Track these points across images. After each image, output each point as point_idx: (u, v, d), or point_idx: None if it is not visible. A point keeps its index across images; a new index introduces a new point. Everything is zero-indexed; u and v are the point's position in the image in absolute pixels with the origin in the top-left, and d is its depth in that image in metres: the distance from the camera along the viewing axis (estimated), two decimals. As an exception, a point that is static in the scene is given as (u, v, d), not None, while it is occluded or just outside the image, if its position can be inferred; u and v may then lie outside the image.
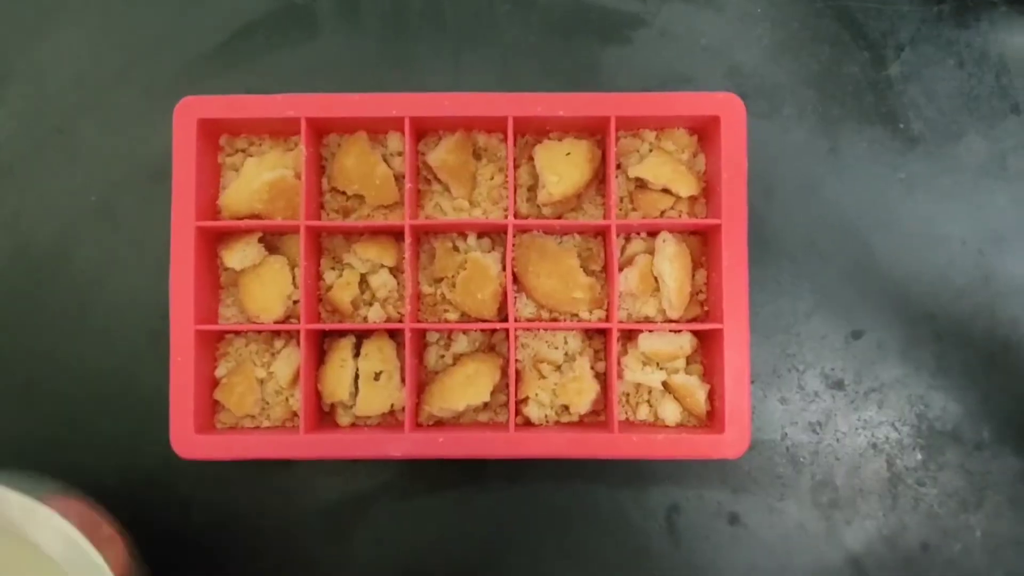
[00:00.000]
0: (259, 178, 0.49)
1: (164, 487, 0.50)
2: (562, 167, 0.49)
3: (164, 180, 0.48)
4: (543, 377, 0.50)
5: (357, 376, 0.49)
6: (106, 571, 0.40)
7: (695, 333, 0.50)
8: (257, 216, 0.49)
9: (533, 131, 0.51)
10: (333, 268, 0.50)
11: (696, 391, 0.49)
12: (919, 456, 0.51)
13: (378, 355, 0.49)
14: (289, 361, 0.49)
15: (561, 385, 0.49)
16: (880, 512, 0.51)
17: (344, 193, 0.50)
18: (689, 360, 0.50)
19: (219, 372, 0.50)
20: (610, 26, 0.52)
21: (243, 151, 0.51)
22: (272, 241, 0.51)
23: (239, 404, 0.49)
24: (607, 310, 0.49)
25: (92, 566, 0.40)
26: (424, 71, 0.52)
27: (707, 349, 0.50)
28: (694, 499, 0.51)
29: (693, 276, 0.50)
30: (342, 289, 0.49)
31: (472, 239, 0.50)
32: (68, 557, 0.40)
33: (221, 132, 0.50)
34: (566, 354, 0.50)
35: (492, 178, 0.50)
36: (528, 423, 0.50)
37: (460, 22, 0.53)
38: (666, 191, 0.49)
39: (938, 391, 0.51)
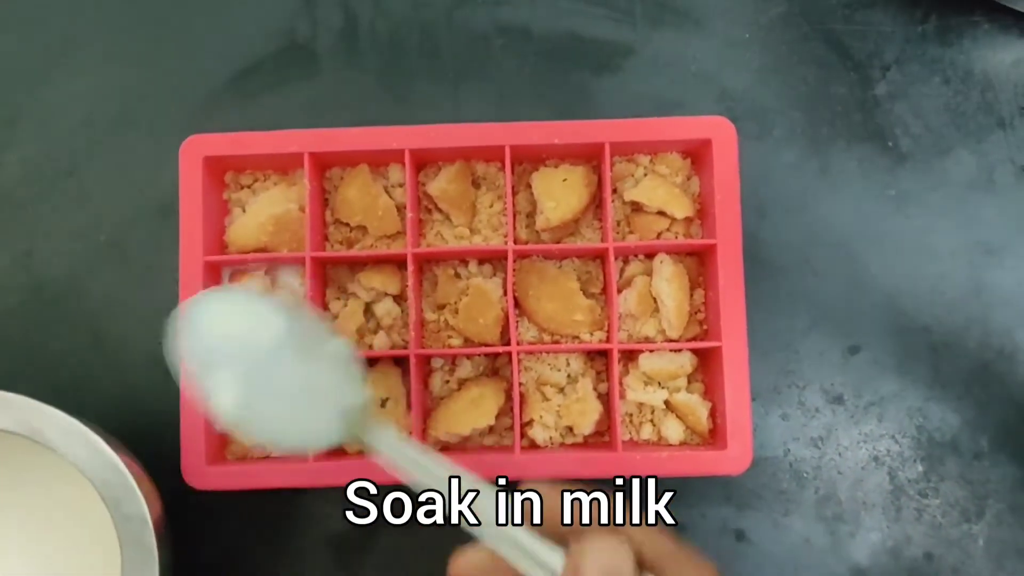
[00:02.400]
0: (264, 212, 0.50)
1: (175, 517, 0.51)
2: (559, 193, 0.50)
3: (172, 217, 0.50)
4: (547, 399, 0.50)
5: (364, 403, 0.50)
6: (142, 503, 0.41)
7: (695, 352, 0.51)
8: (263, 249, 0.50)
9: (530, 159, 0.52)
10: (338, 298, 0.51)
11: (698, 409, 0.50)
12: (920, 468, 0.52)
13: (384, 382, 0.50)
14: (297, 390, 0.50)
15: (565, 407, 0.50)
16: (884, 524, 0.51)
17: (347, 224, 0.52)
18: (690, 379, 0.51)
19: (229, 403, 0.51)
20: (602, 56, 0.54)
21: (248, 187, 0.52)
22: (278, 274, 0.52)
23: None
24: (607, 331, 0.50)
25: (127, 489, 0.41)
26: (423, 104, 0.54)
27: (707, 367, 0.51)
28: (699, 517, 0.52)
29: (691, 296, 0.51)
30: (347, 318, 0.50)
31: (473, 265, 0.52)
32: (104, 479, 0.42)
33: (226, 169, 0.52)
34: (569, 376, 0.51)
35: (491, 206, 0.51)
36: (533, 445, 0.50)
37: (457, 56, 0.54)
38: (661, 213, 0.50)
39: (936, 402, 0.52)
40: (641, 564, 0.31)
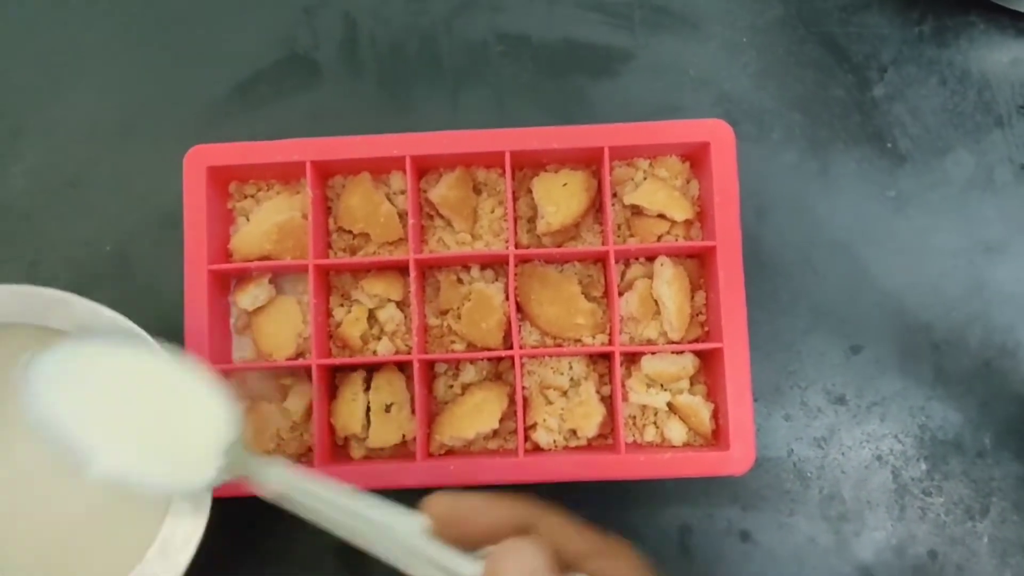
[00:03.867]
0: (268, 220, 0.50)
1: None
2: (559, 197, 0.50)
3: (176, 226, 0.50)
4: (550, 403, 0.51)
5: (369, 409, 0.50)
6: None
7: (697, 353, 0.51)
8: (267, 257, 0.51)
9: (530, 164, 0.52)
10: (342, 305, 0.52)
11: (700, 410, 0.50)
12: (923, 466, 0.52)
13: (388, 388, 0.50)
14: (302, 397, 0.51)
15: (568, 410, 0.50)
16: (888, 523, 0.51)
17: (350, 232, 0.52)
18: (692, 380, 0.51)
19: (234, 411, 0.51)
20: (601, 61, 0.54)
21: (252, 196, 0.53)
22: (282, 282, 0.52)
23: (255, 440, 0.50)
24: (609, 334, 0.51)
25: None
26: (423, 112, 0.54)
27: (709, 369, 0.51)
28: (705, 518, 0.52)
29: (692, 298, 0.51)
30: (351, 325, 0.51)
31: (475, 271, 0.52)
32: None
33: (230, 178, 0.52)
34: (571, 379, 0.51)
35: (492, 211, 0.52)
36: (537, 448, 0.51)
37: (456, 64, 0.54)
38: (661, 216, 0.51)
39: (938, 401, 0.52)
40: (565, 563, 0.31)
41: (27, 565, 0.44)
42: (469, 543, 0.32)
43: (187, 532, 0.41)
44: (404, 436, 0.50)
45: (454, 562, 0.32)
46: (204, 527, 0.41)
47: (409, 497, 0.51)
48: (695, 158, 0.52)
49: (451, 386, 0.52)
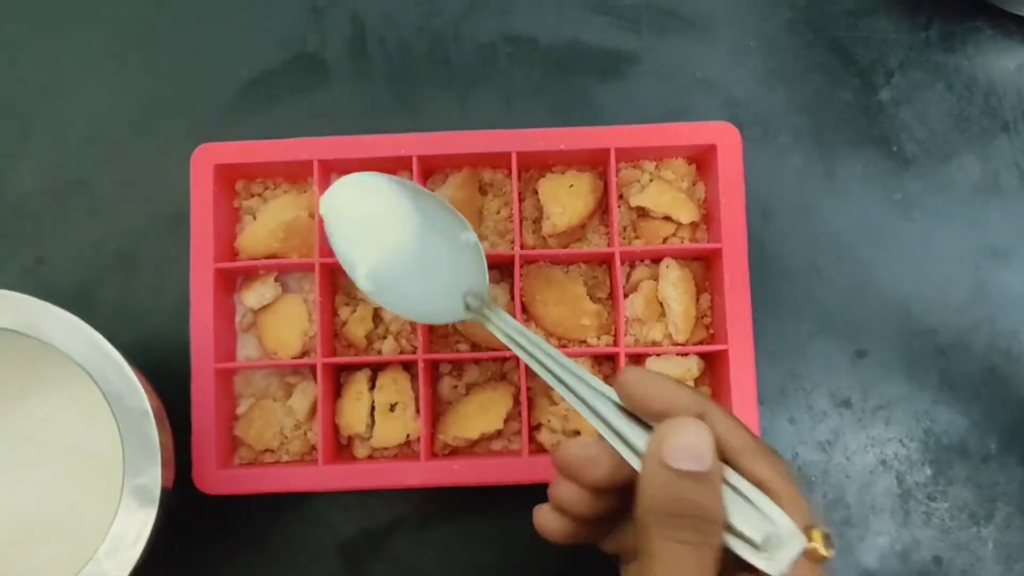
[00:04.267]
0: (275, 219, 0.51)
1: (184, 522, 0.51)
2: (565, 199, 0.50)
3: (183, 225, 0.50)
4: (554, 403, 0.51)
5: (373, 408, 0.50)
6: (142, 396, 0.42)
7: (702, 355, 0.51)
8: (273, 256, 0.51)
9: (537, 166, 0.52)
10: (347, 304, 0.52)
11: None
12: (928, 471, 0.52)
13: (393, 387, 0.50)
14: (306, 395, 0.51)
15: (572, 411, 0.50)
16: (892, 528, 0.51)
17: (356, 232, 0.52)
18: (697, 382, 0.51)
19: (239, 409, 0.51)
20: (608, 63, 0.54)
21: (259, 195, 0.53)
22: (288, 281, 0.52)
23: (259, 439, 0.50)
24: (614, 336, 0.51)
25: (127, 382, 0.42)
26: (430, 113, 0.54)
27: (714, 371, 0.51)
28: (708, 521, 0.52)
29: (697, 300, 0.51)
30: (356, 324, 0.51)
31: (481, 271, 0.52)
32: (104, 374, 0.42)
33: (237, 177, 0.52)
34: (576, 380, 0.51)
35: (498, 212, 0.52)
36: (541, 449, 0.51)
37: (464, 65, 0.55)
38: (667, 219, 0.51)
39: (943, 405, 0.52)
40: (719, 452, 0.33)
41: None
42: (648, 415, 0.35)
43: (138, 528, 0.41)
44: (408, 436, 0.50)
45: (626, 426, 0.35)
46: (153, 522, 0.41)
47: (416, 498, 0.51)
48: (701, 161, 0.52)
49: (455, 386, 0.52)
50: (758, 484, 0.32)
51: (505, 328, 0.41)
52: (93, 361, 0.42)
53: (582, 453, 0.36)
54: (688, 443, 0.32)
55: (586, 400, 0.36)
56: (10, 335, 0.42)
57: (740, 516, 0.32)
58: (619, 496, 0.36)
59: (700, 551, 0.32)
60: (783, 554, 0.31)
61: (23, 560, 0.45)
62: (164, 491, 0.42)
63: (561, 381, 0.38)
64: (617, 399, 0.36)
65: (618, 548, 0.39)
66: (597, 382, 0.37)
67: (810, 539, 0.31)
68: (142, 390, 0.42)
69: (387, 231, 0.44)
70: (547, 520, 0.38)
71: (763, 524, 0.32)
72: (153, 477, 0.41)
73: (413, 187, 0.46)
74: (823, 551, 0.31)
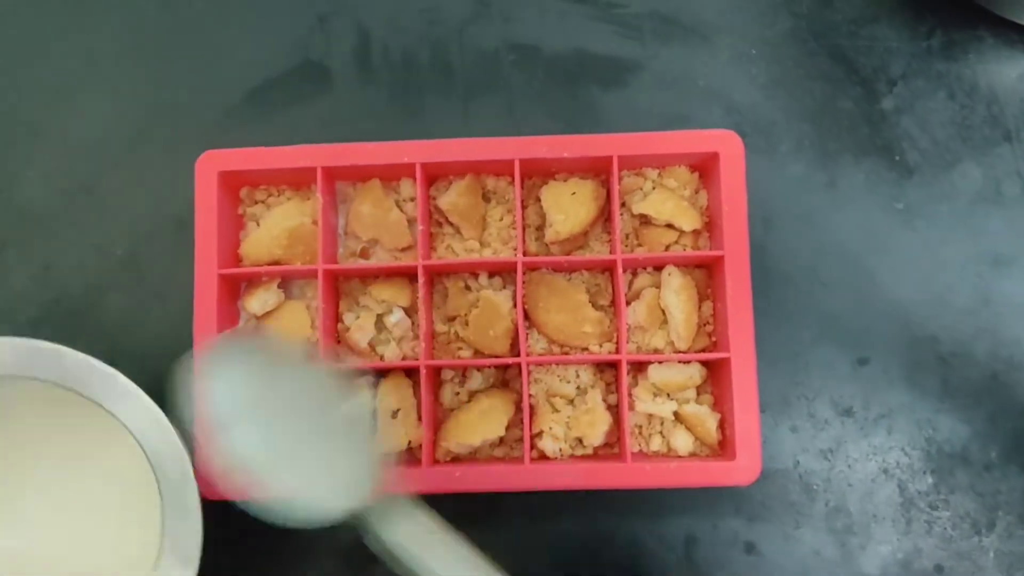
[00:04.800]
0: (279, 225, 0.51)
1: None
2: (568, 206, 0.51)
3: (187, 231, 0.50)
4: (556, 411, 0.51)
5: (375, 414, 0.51)
6: (186, 461, 0.41)
7: (704, 363, 0.51)
8: (277, 262, 0.51)
9: (539, 173, 0.52)
10: (350, 310, 0.52)
11: (707, 420, 0.50)
12: (930, 480, 0.51)
13: (395, 393, 0.51)
14: (309, 401, 0.51)
15: (574, 418, 0.50)
16: (894, 536, 0.51)
17: (359, 238, 0.52)
18: (699, 390, 0.51)
19: (242, 415, 0.51)
20: (611, 71, 0.54)
21: (262, 202, 0.53)
22: (291, 287, 0.53)
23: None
24: (616, 343, 0.51)
25: (172, 446, 0.41)
26: (434, 120, 0.55)
27: (716, 378, 0.51)
28: (710, 529, 0.52)
29: (700, 308, 0.51)
30: (359, 330, 0.51)
31: (483, 278, 0.52)
32: (149, 436, 0.42)
33: (241, 184, 0.53)
34: (578, 387, 0.51)
35: (501, 219, 0.52)
36: (543, 456, 0.51)
37: (467, 73, 0.55)
38: (670, 226, 0.51)
39: (945, 414, 0.52)
40: None
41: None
42: None
43: None
44: (410, 442, 0.50)
45: None
46: None
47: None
48: (704, 168, 0.52)
49: (457, 393, 0.52)
50: None
51: (394, 540, 0.38)
52: (139, 422, 0.42)
53: None
54: None
55: None
56: (56, 390, 0.42)
57: None
58: None
59: None
60: None
61: None
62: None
63: None
64: None
65: None
66: None
67: None
68: (187, 455, 0.42)
69: (262, 409, 0.38)
70: None
71: None
72: (194, 543, 0.42)
73: (289, 355, 0.41)
74: None
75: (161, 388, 0.52)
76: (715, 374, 0.51)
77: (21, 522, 0.46)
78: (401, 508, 0.37)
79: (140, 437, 0.42)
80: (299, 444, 0.38)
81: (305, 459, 0.38)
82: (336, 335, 0.52)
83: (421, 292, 0.50)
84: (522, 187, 0.51)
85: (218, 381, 0.37)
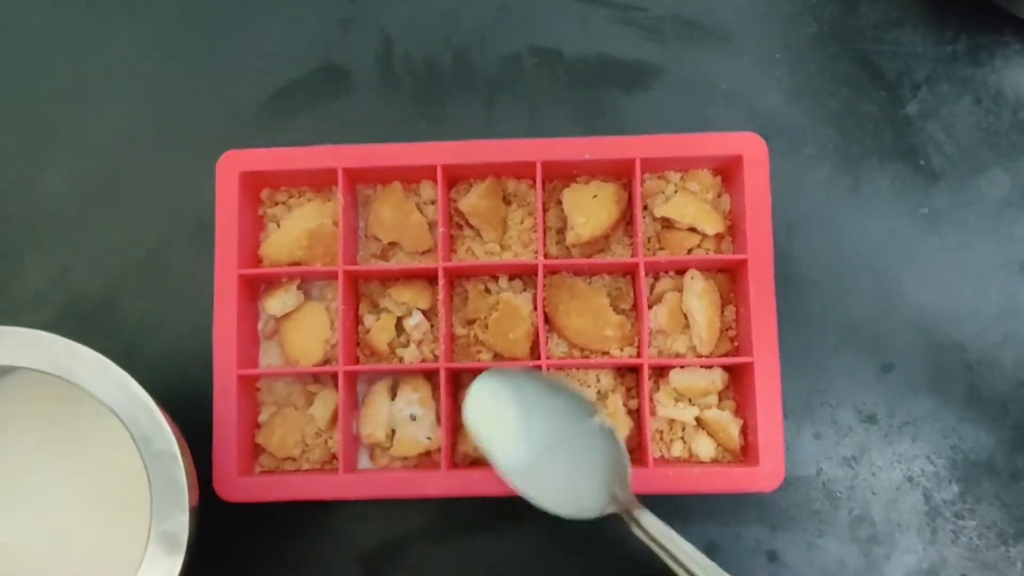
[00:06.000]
0: (299, 226, 0.51)
1: (204, 529, 0.51)
2: (589, 209, 0.50)
3: (208, 232, 0.50)
4: (576, 415, 0.50)
5: (394, 417, 0.50)
6: (171, 440, 0.41)
7: (726, 369, 0.51)
8: (297, 263, 0.51)
9: (561, 176, 0.52)
10: (370, 312, 0.52)
11: (729, 426, 0.49)
12: (956, 488, 0.51)
13: (414, 396, 0.50)
14: (327, 404, 0.50)
15: (594, 423, 0.50)
16: (919, 546, 0.50)
17: (380, 241, 0.52)
18: (721, 396, 0.51)
19: (261, 417, 0.51)
20: (633, 75, 0.54)
21: (283, 203, 0.53)
22: (311, 289, 0.52)
23: (280, 446, 0.50)
24: (638, 347, 0.50)
25: (156, 426, 0.41)
26: (455, 124, 0.54)
27: (738, 384, 0.50)
28: (732, 537, 0.51)
29: (722, 312, 0.51)
30: (379, 332, 0.51)
31: (503, 281, 0.52)
32: (133, 417, 0.41)
33: (262, 185, 0.52)
34: (599, 392, 0.51)
35: (522, 222, 0.52)
36: (563, 461, 0.50)
37: (489, 76, 0.55)
38: (692, 230, 0.50)
39: (971, 422, 0.51)
40: None
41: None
42: None
43: None
44: (429, 445, 0.50)
45: None
46: (179, 572, 0.41)
47: (435, 509, 0.51)
48: (727, 172, 0.52)
49: (477, 396, 0.51)
50: None
51: (650, 531, 0.42)
52: (122, 404, 0.42)
53: None
54: None
55: None
56: (40, 376, 0.42)
57: None
58: None
59: None
60: None
61: None
62: (191, 534, 0.42)
63: None
64: None
65: None
66: None
67: None
68: (171, 433, 0.41)
69: (512, 429, 0.45)
70: None
71: None
72: (180, 522, 0.41)
73: (534, 379, 0.46)
74: None
75: (179, 389, 0.52)
76: (738, 379, 0.50)
77: (10, 513, 0.46)
78: (641, 508, 0.43)
79: (124, 417, 0.41)
80: (553, 457, 0.45)
81: (558, 469, 0.45)
82: (356, 337, 0.52)
83: (441, 295, 0.50)
84: (543, 190, 0.51)
85: (479, 406, 0.45)
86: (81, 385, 0.42)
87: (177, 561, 0.41)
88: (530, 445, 0.45)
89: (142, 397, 0.42)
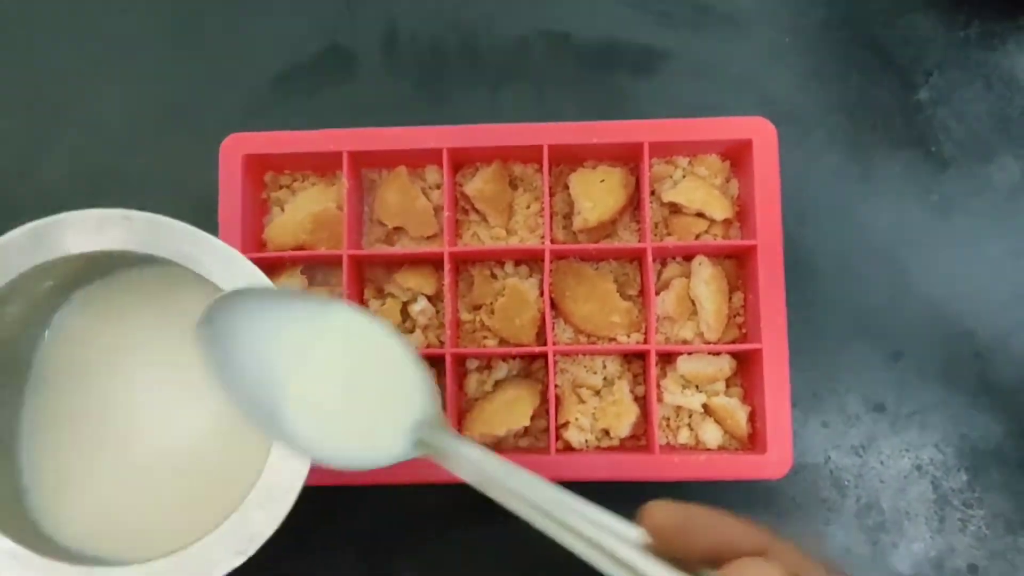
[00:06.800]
0: (304, 210, 0.50)
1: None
2: (596, 194, 0.50)
3: (211, 215, 0.50)
4: (583, 402, 0.50)
5: (399, 403, 0.50)
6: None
7: (734, 356, 0.50)
8: (301, 248, 0.50)
9: (568, 160, 0.52)
10: (375, 297, 0.51)
11: (737, 412, 0.49)
12: (964, 477, 0.50)
13: (419, 382, 0.50)
14: (332, 389, 0.50)
15: (601, 409, 0.49)
16: (927, 534, 0.50)
17: (385, 225, 0.52)
18: (728, 383, 0.50)
19: (263, 401, 0.51)
20: (641, 59, 0.54)
21: (287, 187, 0.52)
22: (315, 273, 0.52)
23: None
24: (645, 333, 0.50)
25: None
26: (461, 108, 0.54)
27: (746, 371, 0.50)
28: (737, 525, 0.51)
29: (730, 299, 0.50)
30: (385, 316, 0.50)
31: (509, 266, 0.51)
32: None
33: (266, 168, 0.52)
34: (605, 378, 0.50)
35: (528, 207, 0.51)
36: (568, 448, 0.50)
37: (496, 59, 0.54)
38: (700, 215, 0.50)
39: (980, 410, 0.51)
40: None
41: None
42: (688, 560, 0.28)
43: (290, 479, 0.38)
44: (434, 431, 0.49)
45: (657, 570, 0.27)
46: (307, 474, 0.39)
47: (441, 496, 0.50)
48: (736, 157, 0.51)
49: (483, 382, 0.51)
50: None
51: (469, 463, 0.33)
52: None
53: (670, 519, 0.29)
54: None
55: (602, 546, 0.29)
56: (173, 268, 0.41)
57: None
58: None
59: None
60: None
61: (173, 500, 0.43)
62: None
63: (561, 523, 0.30)
64: (642, 541, 0.29)
65: None
66: (615, 522, 0.29)
67: None
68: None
69: (293, 369, 0.35)
70: None
71: None
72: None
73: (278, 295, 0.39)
74: None
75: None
76: (745, 366, 0.50)
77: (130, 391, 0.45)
78: (463, 447, 0.33)
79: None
80: (340, 402, 0.35)
81: (349, 417, 0.35)
82: (360, 322, 0.51)
83: (447, 280, 0.49)
84: (550, 174, 0.51)
85: (226, 346, 0.35)
86: (212, 279, 0.40)
87: (305, 464, 0.39)
88: (284, 384, 0.35)
89: (268, 284, 0.40)
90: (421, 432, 0.34)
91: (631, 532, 0.29)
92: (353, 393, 0.35)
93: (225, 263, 0.41)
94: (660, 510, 0.28)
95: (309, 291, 0.51)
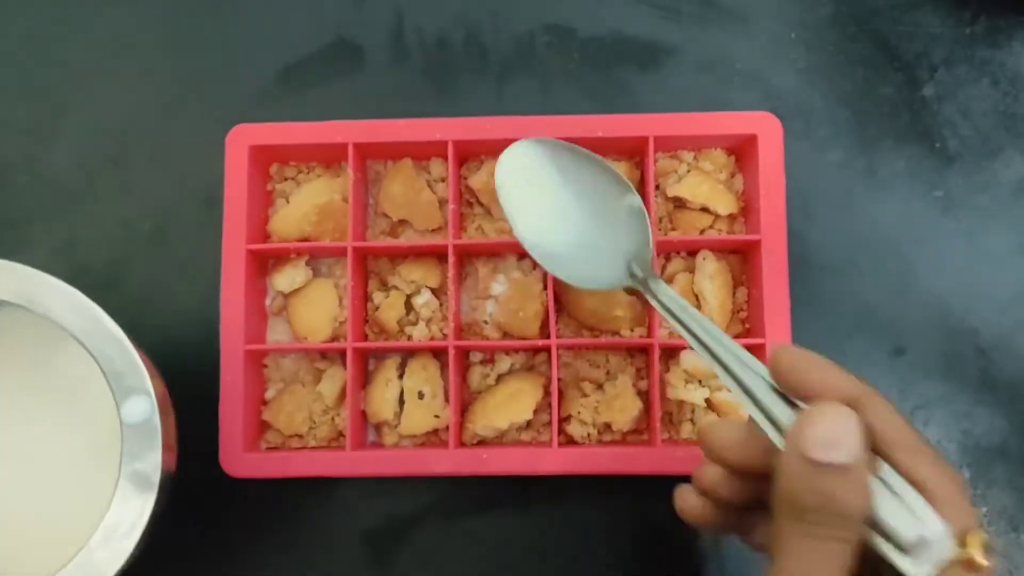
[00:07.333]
0: (308, 202, 0.50)
1: (210, 505, 0.51)
2: (602, 187, 0.50)
3: (216, 207, 0.50)
4: (585, 395, 0.50)
5: (402, 395, 0.50)
6: (144, 377, 0.40)
7: (737, 350, 0.50)
8: (306, 239, 0.51)
9: (573, 154, 0.52)
10: (379, 290, 0.51)
11: (740, 408, 0.49)
12: (967, 473, 0.50)
13: (422, 374, 0.50)
14: (335, 381, 0.50)
15: (603, 403, 0.50)
16: (929, 531, 0.50)
17: (389, 218, 0.52)
18: (731, 378, 0.50)
19: (268, 393, 0.51)
20: (647, 53, 0.54)
21: (292, 179, 0.52)
22: (319, 265, 0.52)
23: (287, 423, 0.50)
24: (648, 328, 0.50)
25: (129, 363, 0.40)
26: (467, 102, 0.54)
27: (749, 366, 0.50)
28: (739, 520, 0.51)
29: (734, 294, 0.50)
30: (388, 310, 0.50)
31: (513, 260, 0.51)
32: (106, 353, 0.40)
33: (271, 159, 0.52)
34: (607, 372, 0.50)
35: (533, 200, 0.51)
36: (571, 441, 0.50)
37: (502, 54, 0.54)
38: (705, 210, 0.50)
39: (983, 407, 0.51)
40: (876, 447, 0.31)
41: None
42: (801, 397, 0.33)
43: (134, 516, 0.39)
44: (436, 424, 0.50)
45: (782, 410, 0.33)
46: (151, 510, 0.40)
47: (442, 489, 0.50)
48: (741, 152, 0.51)
49: (486, 375, 0.51)
50: (914, 484, 0.30)
51: (666, 302, 0.40)
52: (95, 339, 0.40)
53: (730, 435, 0.36)
54: (830, 432, 0.30)
55: (740, 379, 0.35)
56: (10, 308, 0.41)
57: (890, 514, 0.29)
58: (767, 483, 0.33)
59: (832, 547, 0.29)
60: (930, 557, 0.29)
61: (11, 545, 0.43)
62: (165, 477, 0.40)
63: (717, 359, 0.36)
64: (771, 380, 0.34)
65: (765, 543, 0.37)
66: (754, 361, 0.35)
67: (967, 546, 0.29)
68: (144, 371, 0.40)
69: (539, 199, 0.46)
70: (689, 502, 0.38)
71: (914, 525, 0.29)
72: (153, 462, 0.40)
73: (573, 151, 0.47)
74: (980, 560, 0.29)
75: (186, 364, 0.52)
76: (749, 361, 0.50)
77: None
78: (660, 283, 0.42)
79: (96, 352, 0.40)
80: (576, 231, 0.46)
81: (580, 242, 0.46)
82: (364, 314, 0.51)
83: (451, 272, 0.49)
84: (555, 168, 0.51)
85: (508, 166, 0.47)
86: (52, 317, 0.40)
87: (148, 500, 0.39)
88: (554, 217, 0.46)
89: (116, 333, 0.40)
90: (636, 268, 0.44)
91: (764, 371, 0.35)
92: (582, 230, 0.46)
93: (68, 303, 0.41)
94: (784, 352, 0.34)
95: (322, 280, 0.51)
